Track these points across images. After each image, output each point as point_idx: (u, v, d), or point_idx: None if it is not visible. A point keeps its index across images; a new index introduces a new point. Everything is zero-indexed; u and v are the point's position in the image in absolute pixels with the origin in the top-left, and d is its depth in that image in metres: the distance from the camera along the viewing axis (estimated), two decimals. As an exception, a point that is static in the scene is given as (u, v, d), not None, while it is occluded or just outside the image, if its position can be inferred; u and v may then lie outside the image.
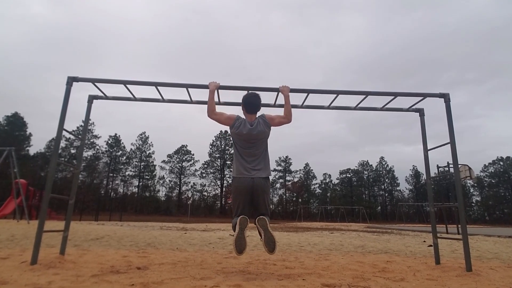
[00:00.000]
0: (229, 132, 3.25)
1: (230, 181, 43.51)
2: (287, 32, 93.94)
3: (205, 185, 59.74)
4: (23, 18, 76.13)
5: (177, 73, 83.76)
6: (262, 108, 3.37)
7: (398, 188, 67.16)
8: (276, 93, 3.66)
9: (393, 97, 3.77)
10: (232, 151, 3.32)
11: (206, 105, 3.26)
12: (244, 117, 3.25)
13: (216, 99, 3.52)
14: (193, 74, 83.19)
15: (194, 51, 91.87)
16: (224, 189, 58.17)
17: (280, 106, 3.82)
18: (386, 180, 67.15)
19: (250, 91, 3.34)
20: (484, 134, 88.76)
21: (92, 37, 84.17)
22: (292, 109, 3.34)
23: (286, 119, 3.25)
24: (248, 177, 3.00)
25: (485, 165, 62.72)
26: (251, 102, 3.21)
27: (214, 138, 61.54)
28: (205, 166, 60.27)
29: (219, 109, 3.34)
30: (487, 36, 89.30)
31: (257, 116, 3.26)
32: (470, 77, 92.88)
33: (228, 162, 58.46)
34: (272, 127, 3.24)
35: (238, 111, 3.36)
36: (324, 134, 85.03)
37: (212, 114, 3.19)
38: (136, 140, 58.16)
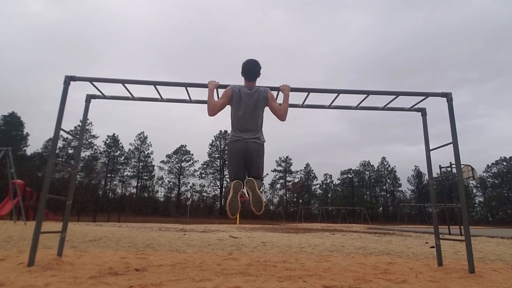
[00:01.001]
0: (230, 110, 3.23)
1: (229, 182, 43.26)
2: (288, 30, 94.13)
3: (204, 185, 59.77)
4: (21, 16, 76.24)
5: (177, 73, 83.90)
6: None
7: (400, 189, 67.26)
8: (276, 92, 3.66)
9: (394, 96, 3.77)
10: None
11: (206, 104, 3.25)
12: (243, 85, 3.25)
13: (215, 98, 3.51)
14: (193, 73, 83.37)
15: (194, 50, 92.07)
16: (223, 189, 58.16)
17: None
18: (388, 180, 67.14)
19: (249, 58, 3.29)
20: (488, 134, 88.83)
21: (91, 36, 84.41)
22: (293, 108, 3.34)
23: (281, 116, 3.25)
24: (242, 141, 3.04)
25: (488, 165, 62.80)
26: (251, 69, 3.20)
27: (213, 138, 61.58)
28: (205, 166, 60.29)
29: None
30: (491, 34, 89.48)
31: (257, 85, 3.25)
32: (474, 76, 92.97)
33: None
34: (266, 107, 3.25)
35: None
36: (325, 134, 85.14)
37: (212, 111, 3.18)
38: (134, 140, 58.21)
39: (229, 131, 3.35)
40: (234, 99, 3.15)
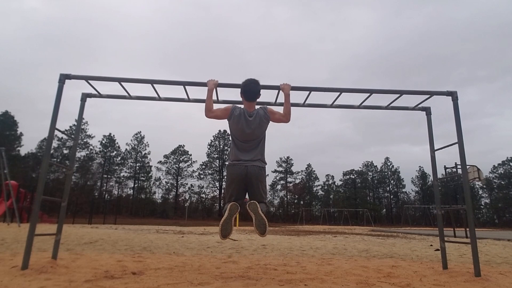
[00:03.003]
0: (228, 125, 3.24)
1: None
2: (291, 27, 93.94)
3: (203, 186, 59.77)
4: (17, 13, 76.20)
5: (177, 70, 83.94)
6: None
7: (403, 190, 67.24)
8: (277, 91, 3.66)
9: (398, 95, 3.77)
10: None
11: (204, 103, 3.26)
12: (242, 106, 3.24)
13: (214, 97, 3.52)
14: (193, 71, 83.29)
15: (194, 48, 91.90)
16: (222, 190, 58.17)
17: (281, 104, 3.82)
18: (392, 181, 67.16)
19: (249, 78, 3.29)
20: (495, 134, 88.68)
21: (88, 33, 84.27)
22: (293, 107, 3.34)
23: (285, 118, 3.26)
24: (243, 165, 3.03)
25: (494, 166, 62.76)
26: (250, 89, 3.19)
27: (212, 138, 61.60)
28: (203, 167, 60.28)
29: (217, 107, 3.34)
30: (500, 31, 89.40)
31: (256, 107, 3.24)
32: (482, 75, 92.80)
33: (227, 163, 58.44)
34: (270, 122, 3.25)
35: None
36: (328, 134, 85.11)
37: (209, 112, 3.19)
38: (131, 140, 58.22)
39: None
40: (233, 121, 3.14)
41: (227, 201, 3.08)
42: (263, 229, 2.75)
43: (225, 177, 3.23)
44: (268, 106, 3.32)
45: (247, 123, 3.11)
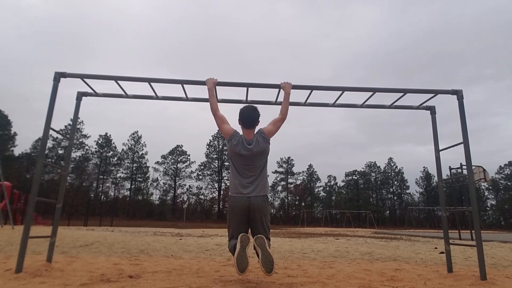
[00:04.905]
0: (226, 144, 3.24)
1: (228, 184, 43.66)
2: (294, 24, 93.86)
3: (201, 188, 59.85)
4: (11, 10, 76.14)
5: (177, 69, 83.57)
6: (262, 107, 3.38)
7: (407, 191, 67.34)
8: (277, 90, 3.66)
9: (402, 94, 3.77)
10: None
11: (203, 102, 3.27)
12: (242, 133, 3.21)
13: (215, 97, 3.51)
14: (193, 69, 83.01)
15: (195, 45, 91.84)
16: (222, 192, 58.21)
17: (281, 104, 3.82)
18: (395, 182, 67.19)
19: (247, 104, 3.33)
20: (503, 134, 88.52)
21: (85, 30, 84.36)
22: (295, 106, 3.34)
23: (282, 116, 3.26)
24: (245, 196, 3.00)
25: (500, 166, 62.84)
26: (248, 116, 3.17)
27: (211, 138, 61.70)
28: (202, 167, 60.34)
29: (222, 112, 3.34)
30: (507, 28, 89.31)
31: (255, 132, 3.21)
32: (489, 73, 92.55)
33: (226, 164, 58.50)
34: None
35: (238, 109, 3.34)
36: (330, 133, 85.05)
37: (215, 114, 3.24)
38: (128, 140, 58.30)
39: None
40: (232, 147, 3.11)
41: (230, 237, 3.04)
42: (269, 267, 2.60)
43: (226, 210, 3.20)
44: (262, 128, 3.26)
45: (247, 151, 3.08)
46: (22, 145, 70.00)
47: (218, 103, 3.47)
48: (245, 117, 3.17)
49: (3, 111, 48.92)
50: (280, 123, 3.27)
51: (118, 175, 56.78)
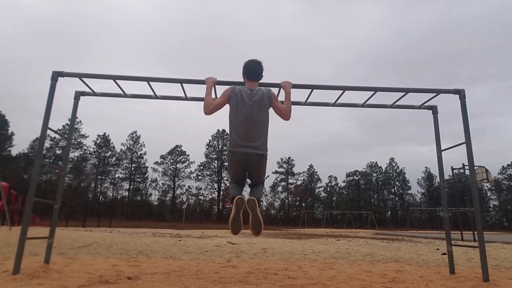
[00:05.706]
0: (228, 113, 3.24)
1: (227, 185, 43.74)
2: (295, 23, 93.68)
3: (201, 188, 59.77)
4: (9, 9, 76.09)
5: (177, 68, 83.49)
6: None
7: (409, 192, 67.20)
8: (277, 89, 3.66)
9: (404, 93, 3.77)
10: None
11: (203, 102, 3.26)
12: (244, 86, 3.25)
13: (213, 96, 3.52)
14: (192, 68, 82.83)
15: (194, 44, 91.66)
16: (221, 192, 58.21)
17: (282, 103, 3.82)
18: (397, 183, 67.14)
19: (251, 58, 3.33)
20: (506, 133, 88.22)
21: (84, 29, 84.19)
22: (295, 106, 3.35)
23: (285, 113, 3.26)
24: (242, 153, 3.03)
25: (503, 166, 62.74)
26: (253, 69, 3.24)
27: (211, 138, 61.63)
28: (201, 168, 60.30)
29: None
30: (511, 27, 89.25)
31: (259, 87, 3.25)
32: (491, 72, 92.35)
33: (226, 164, 58.52)
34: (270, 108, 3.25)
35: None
36: (331, 133, 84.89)
37: (208, 109, 3.18)
38: (126, 140, 58.25)
39: (227, 130, 3.35)
40: (234, 99, 3.11)
41: (231, 180, 3.23)
42: (258, 229, 2.85)
43: (226, 158, 3.31)
44: (271, 90, 3.30)
45: (248, 96, 3.10)
46: (20, 145, 70.07)
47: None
48: (250, 70, 3.24)
49: (0, 110, 49.01)
50: (283, 113, 3.24)
51: (116, 175, 56.79)
